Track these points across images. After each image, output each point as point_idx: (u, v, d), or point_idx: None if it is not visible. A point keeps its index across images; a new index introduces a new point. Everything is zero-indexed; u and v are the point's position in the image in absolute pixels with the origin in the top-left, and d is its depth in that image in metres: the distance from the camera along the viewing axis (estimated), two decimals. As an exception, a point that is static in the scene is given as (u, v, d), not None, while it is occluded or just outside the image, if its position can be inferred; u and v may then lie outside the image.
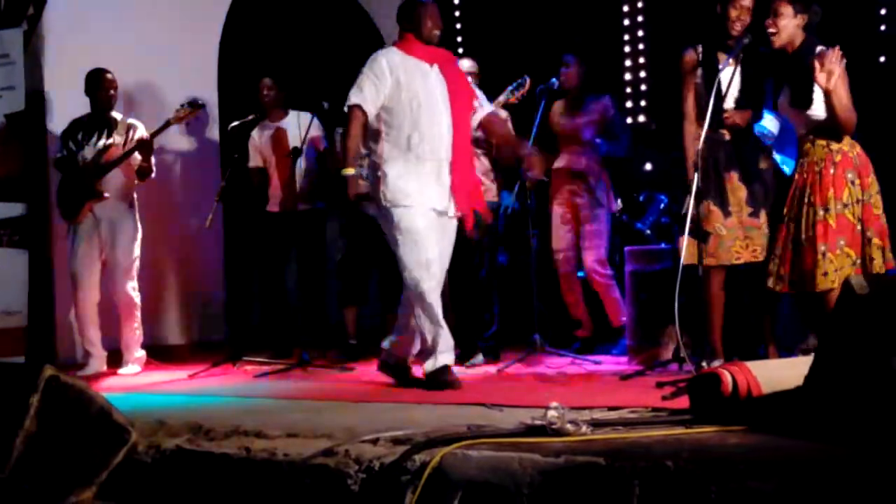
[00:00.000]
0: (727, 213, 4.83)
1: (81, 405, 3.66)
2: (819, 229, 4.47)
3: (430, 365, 4.86)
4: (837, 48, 4.35)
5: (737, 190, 4.85)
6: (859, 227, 4.49)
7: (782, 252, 4.61)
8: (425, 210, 4.85)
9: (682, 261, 4.57)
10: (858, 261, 4.47)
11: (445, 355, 4.86)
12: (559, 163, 6.37)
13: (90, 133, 6.24)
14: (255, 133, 6.92)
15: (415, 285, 4.79)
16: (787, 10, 4.56)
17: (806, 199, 4.54)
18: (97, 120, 6.28)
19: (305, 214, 6.65)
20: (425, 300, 4.78)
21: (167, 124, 6.30)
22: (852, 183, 4.50)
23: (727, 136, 4.87)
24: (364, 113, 4.90)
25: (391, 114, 4.91)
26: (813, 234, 4.49)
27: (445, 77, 4.99)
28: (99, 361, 6.25)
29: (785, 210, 4.64)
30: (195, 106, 6.35)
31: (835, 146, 4.53)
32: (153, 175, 6.30)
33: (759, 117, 4.94)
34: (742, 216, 4.84)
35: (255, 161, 6.91)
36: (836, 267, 4.44)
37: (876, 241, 4.51)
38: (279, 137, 6.83)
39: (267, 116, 6.91)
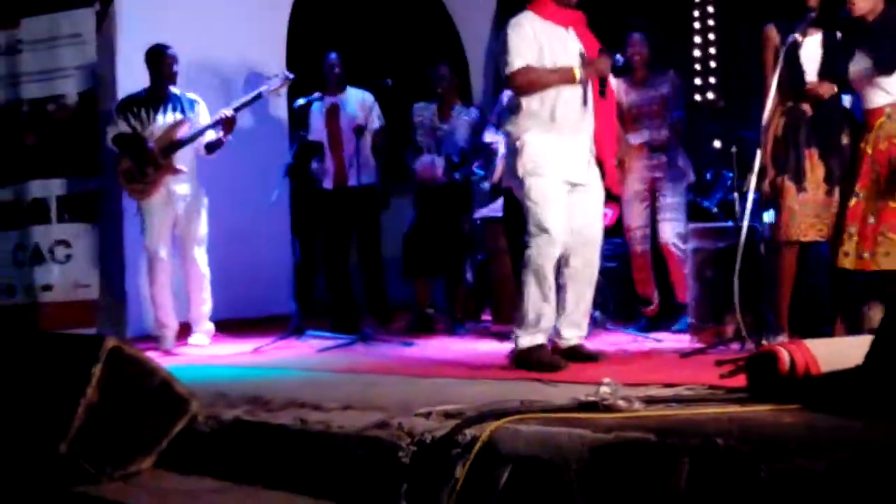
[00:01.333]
0: (802, 189, 4.74)
1: (143, 376, 3.75)
2: None
3: (526, 341, 4.65)
4: None
5: (816, 167, 4.76)
6: None
7: (861, 229, 4.49)
8: (559, 181, 4.68)
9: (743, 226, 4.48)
10: None
11: (543, 334, 4.68)
12: (636, 139, 6.29)
13: (153, 109, 6.28)
14: (314, 108, 6.96)
15: (534, 251, 4.60)
16: None
17: (882, 174, 4.41)
18: (158, 96, 6.32)
19: (362, 191, 6.64)
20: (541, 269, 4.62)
21: (258, 96, 6.33)
22: None
23: (808, 112, 4.78)
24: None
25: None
26: None
27: (582, 40, 4.80)
28: (173, 334, 6.34)
29: (858, 186, 4.51)
30: (286, 79, 6.38)
31: None
32: (220, 150, 6.37)
33: (843, 89, 4.81)
34: (818, 194, 4.75)
35: (313, 136, 6.96)
36: None
37: None
38: (332, 113, 6.88)
39: (325, 91, 6.95)
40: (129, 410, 3.66)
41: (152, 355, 4.24)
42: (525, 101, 4.72)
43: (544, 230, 4.60)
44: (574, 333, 4.84)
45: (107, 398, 3.60)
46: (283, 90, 6.55)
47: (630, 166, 6.23)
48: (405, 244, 6.83)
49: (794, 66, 4.67)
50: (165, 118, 6.28)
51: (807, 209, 4.74)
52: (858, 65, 4.52)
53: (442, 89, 6.80)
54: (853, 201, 4.53)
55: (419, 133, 6.84)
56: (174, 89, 6.36)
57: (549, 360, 4.55)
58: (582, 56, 4.72)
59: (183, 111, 6.27)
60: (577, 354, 4.75)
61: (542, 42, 4.70)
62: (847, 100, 4.93)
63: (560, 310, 4.80)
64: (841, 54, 4.68)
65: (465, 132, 6.73)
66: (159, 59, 6.30)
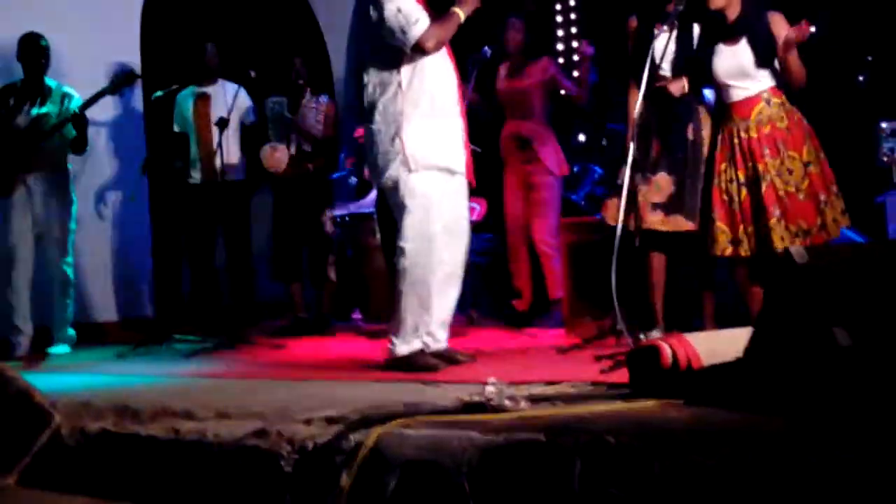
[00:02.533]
0: (646, 180, 4.80)
1: (-1, 387, 3.53)
2: (812, 178, 4.47)
3: (403, 349, 4.46)
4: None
5: (660, 159, 4.83)
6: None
7: (740, 216, 4.53)
8: (443, 174, 4.47)
9: (617, 222, 4.48)
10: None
11: (420, 340, 4.50)
12: (507, 129, 6.29)
13: (23, 100, 5.98)
14: (179, 98, 6.73)
15: (413, 258, 4.39)
16: None
17: (770, 155, 4.49)
18: (31, 87, 6.02)
19: (229, 186, 6.43)
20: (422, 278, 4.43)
21: (100, 95, 6.04)
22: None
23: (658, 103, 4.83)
24: None
25: (415, 66, 4.45)
26: (806, 184, 4.47)
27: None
28: (27, 340, 6.04)
29: (737, 173, 4.57)
30: (131, 76, 6.12)
31: (788, 106, 4.56)
32: (87, 149, 6.09)
33: (698, 84, 4.86)
34: (664, 186, 4.81)
35: (177, 127, 6.72)
36: (834, 213, 4.48)
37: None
38: (202, 104, 6.66)
39: (194, 82, 6.72)
40: (-15, 426, 3.44)
41: (7, 364, 4.00)
42: (403, 84, 4.44)
43: (428, 238, 4.41)
44: (445, 335, 4.67)
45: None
46: (128, 88, 6.28)
47: (505, 158, 6.24)
48: (273, 248, 6.68)
49: (647, 58, 4.68)
50: (31, 111, 5.96)
51: (649, 196, 4.79)
52: (727, 58, 4.59)
53: (295, 81, 6.67)
54: (735, 189, 4.57)
55: (271, 126, 6.70)
56: (49, 80, 6.09)
57: (427, 362, 4.42)
58: None
59: (50, 106, 5.96)
60: (450, 356, 4.60)
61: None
62: (709, 93, 5.01)
63: None
64: (701, 49, 4.74)
65: (313, 119, 6.61)
66: (30, 49, 6.00)
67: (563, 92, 6.30)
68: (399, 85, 4.45)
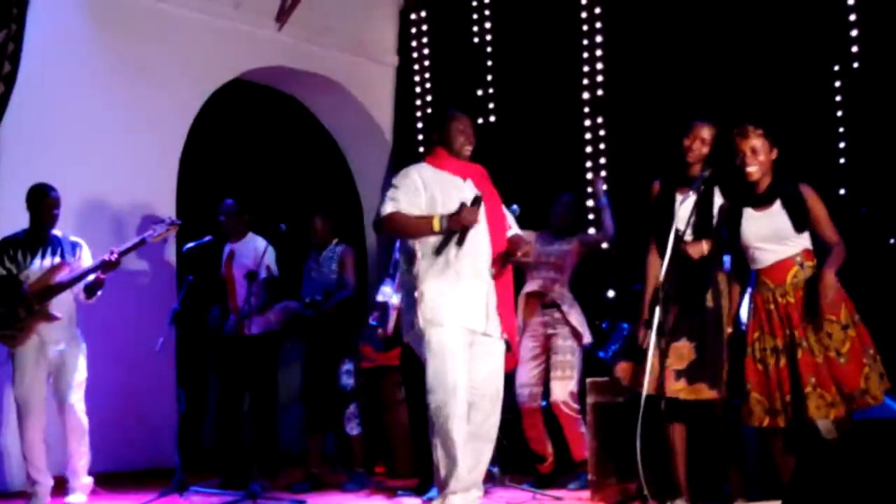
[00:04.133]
0: (666, 346, 4.67)
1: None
2: (852, 342, 4.43)
3: (458, 499, 4.52)
4: None
5: (677, 324, 4.70)
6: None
7: (776, 384, 4.45)
8: (460, 330, 4.59)
9: (630, 383, 4.42)
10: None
11: (457, 497, 4.52)
12: (530, 286, 6.27)
13: (31, 251, 5.99)
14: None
15: (436, 410, 4.50)
16: (764, 145, 4.57)
17: (808, 321, 4.44)
18: (37, 237, 6.02)
19: (255, 339, 6.45)
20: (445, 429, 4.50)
21: (142, 242, 6.05)
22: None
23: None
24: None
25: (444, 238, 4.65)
26: (847, 347, 4.42)
27: (480, 191, 4.73)
28: (45, 490, 5.91)
29: (775, 340, 4.50)
30: (172, 224, 6.17)
31: (814, 271, 4.53)
32: (100, 293, 6.09)
33: (719, 249, 4.83)
34: (683, 353, 4.70)
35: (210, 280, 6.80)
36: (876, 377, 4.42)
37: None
38: (229, 260, 6.80)
39: (228, 237, 6.85)
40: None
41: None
42: (419, 247, 4.66)
43: (447, 389, 4.48)
44: (476, 495, 4.64)
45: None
46: (170, 235, 6.34)
47: (525, 322, 6.19)
48: (303, 400, 6.64)
49: (670, 221, 4.68)
50: (43, 262, 5.96)
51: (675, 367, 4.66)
52: (760, 222, 4.58)
53: (315, 239, 6.78)
54: (772, 357, 4.49)
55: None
56: (56, 232, 6.08)
57: None
58: (462, 205, 4.62)
59: (63, 254, 5.98)
60: None
61: (433, 191, 4.69)
62: (727, 260, 4.96)
63: None
64: (727, 214, 4.73)
65: (328, 269, 6.66)
66: (39, 200, 6.00)
67: (591, 242, 6.37)
68: (415, 249, 4.71)
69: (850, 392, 4.37)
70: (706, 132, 4.79)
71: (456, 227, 4.59)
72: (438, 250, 4.63)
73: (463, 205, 4.59)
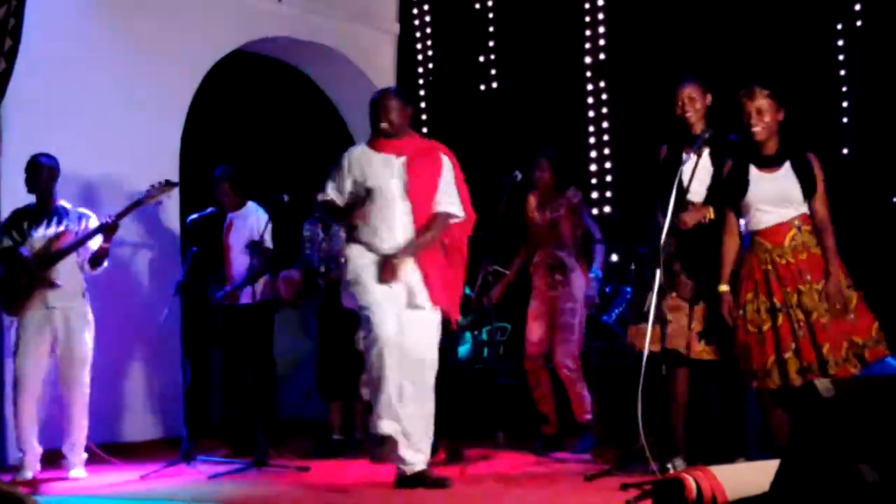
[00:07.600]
0: (678, 307, 4.76)
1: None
2: (858, 295, 4.49)
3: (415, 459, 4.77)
4: None
5: (684, 283, 4.79)
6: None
7: (794, 343, 4.44)
8: (381, 291, 4.89)
9: (645, 348, 4.44)
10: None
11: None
12: (539, 258, 6.31)
13: (36, 222, 6.00)
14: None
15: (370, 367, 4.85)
16: (771, 106, 4.56)
17: (814, 279, 4.46)
18: (42, 209, 6.04)
19: (249, 309, 6.48)
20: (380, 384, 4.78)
21: (137, 204, 6.02)
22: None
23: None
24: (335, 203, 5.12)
25: (355, 208, 5.02)
26: (854, 301, 4.48)
27: (409, 169, 4.94)
28: (34, 461, 5.88)
29: (771, 300, 4.50)
30: (167, 184, 6.11)
31: (811, 235, 4.57)
32: (106, 264, 6.09)
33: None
34: (684, 310, 4.77)
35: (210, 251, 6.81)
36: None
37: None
38: (227, 230, 6.80)
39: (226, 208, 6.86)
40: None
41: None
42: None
43: (377, 334, 4.79)
44: (419, 458, 4.79)
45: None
46: (165, 197, 6.27)
47: (534, 285, 6.25)
48: (316, 365, 6.66)
49: (678, 188, 4.68)
50: (47, 230, 5.96)
51: (681, 320, 4.74)
52: (768, 184, 4.57)
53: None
54: (767, 317, 4.50)
55: (306, 248, 6.75)
56: (63, 203, 6.09)
57: (435, 478, 4.74)
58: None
59: (67, 225, 6.01)
60: (424, 480, 4.73)
61: (356, 173, 5.01)
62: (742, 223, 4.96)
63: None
64: (734, 175, 4.71)
65: (339, 238, 6.65)
66: (32, 172, 6.00)
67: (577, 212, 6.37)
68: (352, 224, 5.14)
69: (864, 341, 4.41)
70: (690, 90, 4.86)
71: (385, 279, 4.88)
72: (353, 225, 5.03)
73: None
